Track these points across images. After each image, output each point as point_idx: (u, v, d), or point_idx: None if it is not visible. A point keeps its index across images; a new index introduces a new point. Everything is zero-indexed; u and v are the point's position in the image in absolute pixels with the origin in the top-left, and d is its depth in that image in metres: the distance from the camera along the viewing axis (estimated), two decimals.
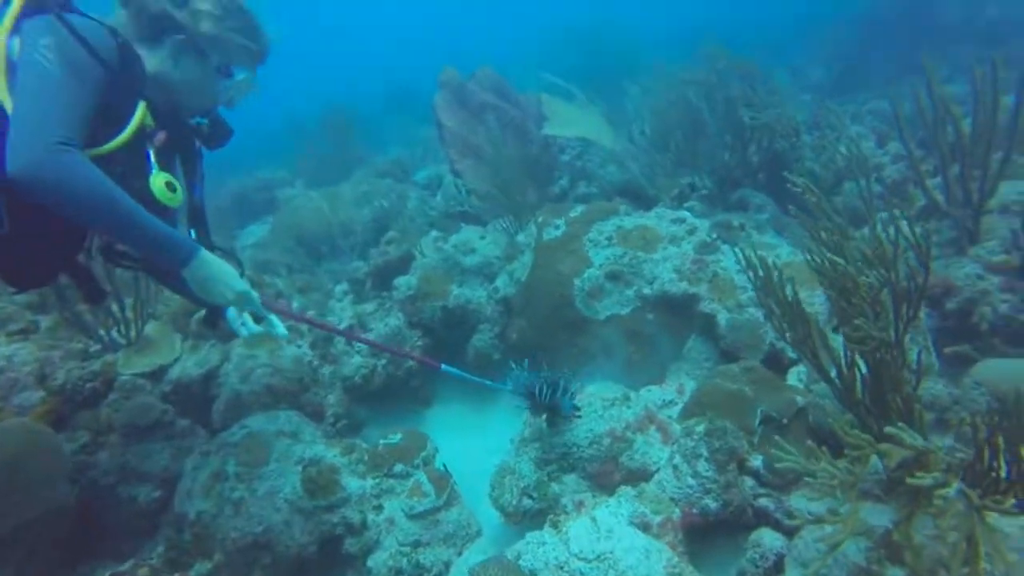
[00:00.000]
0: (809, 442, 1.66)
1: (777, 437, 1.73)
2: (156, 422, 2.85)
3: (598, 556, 1.91)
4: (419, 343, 3.68)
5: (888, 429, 1.53)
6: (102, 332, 3.06)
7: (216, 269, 1.91)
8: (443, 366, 2.53)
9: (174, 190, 1.95)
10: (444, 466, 2.89)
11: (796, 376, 2.77)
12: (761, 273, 2.36)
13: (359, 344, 3.52)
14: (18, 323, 2.98)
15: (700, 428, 2.25)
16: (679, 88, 4.71)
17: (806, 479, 1.55)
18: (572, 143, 6.10)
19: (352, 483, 2.65)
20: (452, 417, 3.70)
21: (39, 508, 2.33)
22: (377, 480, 2.71)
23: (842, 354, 2.19)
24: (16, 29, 1.72)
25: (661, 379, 3.04)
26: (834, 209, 2.43)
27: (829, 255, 2.07)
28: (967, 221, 3.18)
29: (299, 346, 3.34)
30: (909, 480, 1.42)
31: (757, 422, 2.44)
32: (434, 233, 4.19)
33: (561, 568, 1.91)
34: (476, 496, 2.85)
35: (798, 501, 2.15)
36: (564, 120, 4.15)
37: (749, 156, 4.30)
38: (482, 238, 4.32)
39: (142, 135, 1.91)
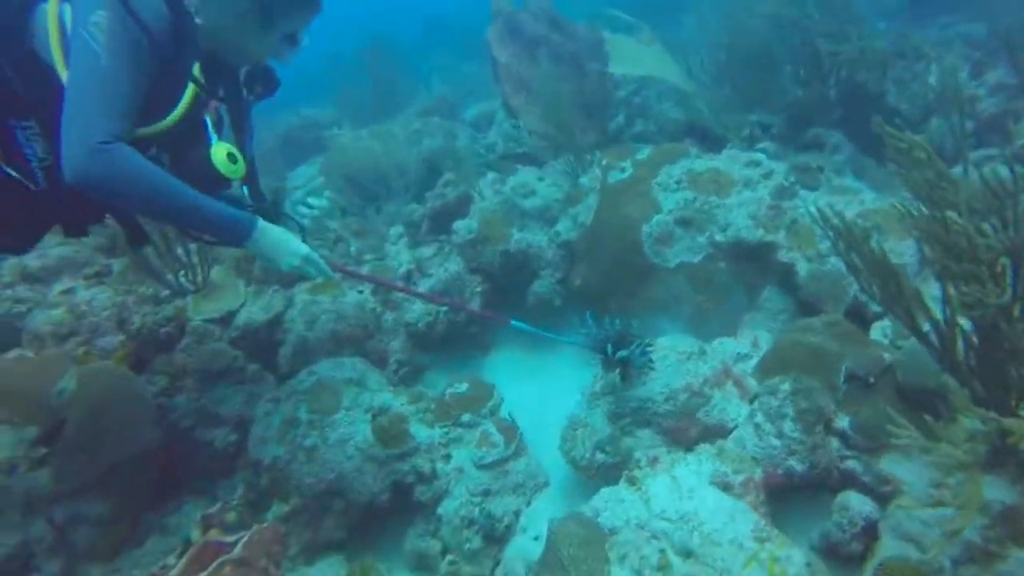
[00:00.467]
0: (927, 417, 1.54)
1: (889, 410, 1.62)
2: (227, 367, 2.90)
3: (681, 516, 1.87)
4: (479, 289, 3.62)
5: None
6: (170, 277, 3.09)
7: (276, 238, 1.89)
8: (513, 322, 2.48)
9: (235, 161, 1.92)
10: (510, 415, 2.88)
11: (881, 331, 2.62)
12: (841, 228, 2.18)
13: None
14: (93, 267, 3.02)
15: (785, 386, 2.16)
16: (745, 18, 4.35)
17: (924, 455, 1.45)
18: (628, 78, 5.80)
19: (421, 432, 2.67)
20: (511, 363, 3.68)
21: (129, 449, 2.41)
22: (445, 429, 2.72)
23: (941, 313, 2.04)
24: None
25: (733, 331, 2.93)
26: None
27: (939, 212, 1.89)
28: None
29: (360, 292, 3.33)
30: None
31: (842, 379, 2.33)
32: (491, 175, 4.06)
33: (642, 527, 1.89)
34: (540, 445, 2.85)
35: (890, 465, 2.06)
36: (629, 57, 3.89)
37: (826, 91, 3.99)
38: (541, 180, 4.17)
39: (197, 104, 1.86)
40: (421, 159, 5.27)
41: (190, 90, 1.81)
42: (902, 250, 2.72)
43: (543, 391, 3.36)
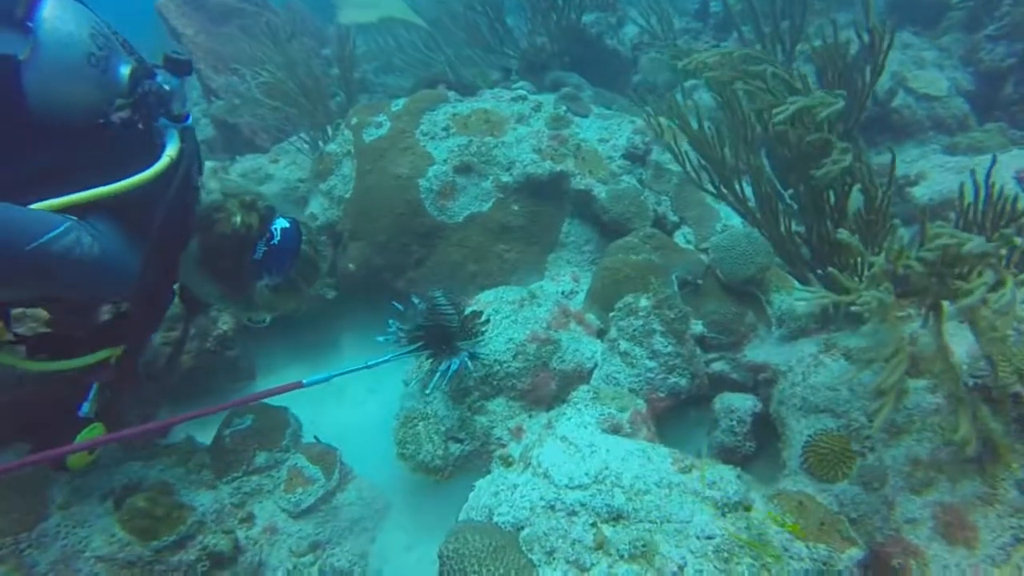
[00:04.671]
0: (831, 270, 1.40)
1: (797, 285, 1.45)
2: None
3: (595, 478, 1.50)
4: None
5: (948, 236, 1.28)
6: None
7: None
8: (305, 380, 1.84)
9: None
10: (316, 438, 2.22)
11: (683, 238, 2.61)
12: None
13: None
14: None
15: (644, 302, 1.94)
16: None
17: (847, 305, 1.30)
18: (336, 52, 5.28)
19: (201, 498, 1.86)
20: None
21: None
22: (234, 484, 1.95)
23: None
24: None
25: (541, 275, 2.68)
26: None
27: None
28: None
29: None
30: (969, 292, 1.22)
31: (676, 287, 2.22)
32: (211, 162, 3.21)
33: (553, 508, 1.47)
34: (360, 460, 2.26)
35: (753, 353, 1.98)
36: (359, 2, 3.36)
37: (554, 38, 4.00)
38: (274, 162, 3.46)
39: None
40: None
41: None
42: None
43: (340, 406, 2.76)
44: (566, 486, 1.51)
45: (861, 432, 1.50)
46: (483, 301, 2.20)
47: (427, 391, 1.97)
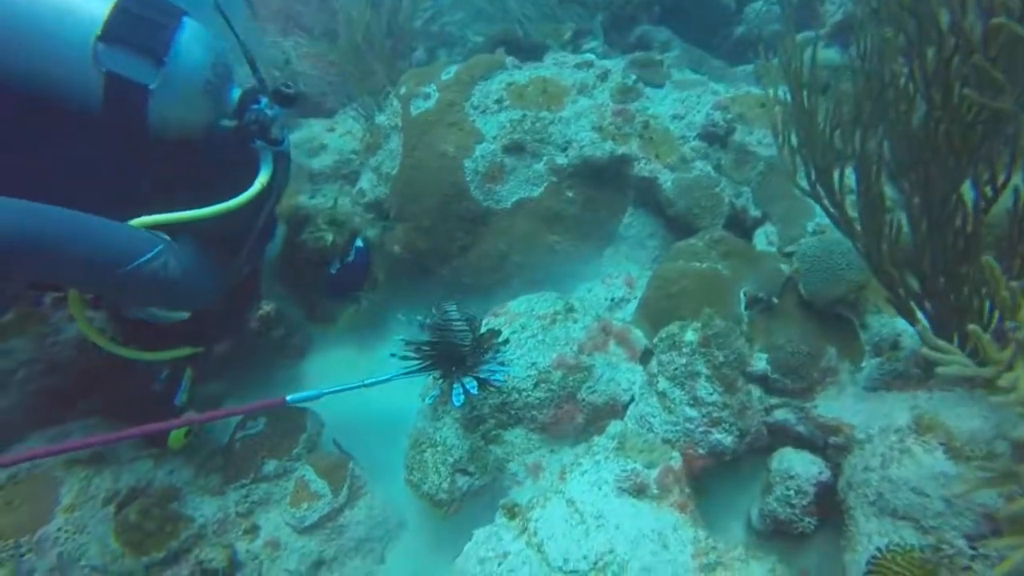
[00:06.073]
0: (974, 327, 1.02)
1: (924, 332, 1.07)
2: None
3: (594, 563, 1.25)
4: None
5: None
6: None
7: None
8: (289, 397, 1.73)
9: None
10: (337, 443, 2.11)
11: (764, 238, 2.19)
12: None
13: None
14: None
15: (690, 336, 1.60)
16: None
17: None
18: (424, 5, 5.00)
19: (205, 506, 1.81)
20: (340, 369, 2.87)
21: None
22: (242, 491, 1.88)
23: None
24: None
25: (596, 271, 2.37)
26: None
27: None
28: None
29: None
30: None
31: (743, 307, 1.84)
32: None
33: None
34: (390, 469, 2.12)
35: (827, 406, 1.60)
36: None
37: None
38: (331, 131, 3.32)
39: None
40: None
41: None
42: (768, 142, 2.28)
43: (389, 397, 2.62)
44: (560, 568, 1.27)
45: (956, 561, 1.12)
46: (513, 311, 1.95)
47: (437, 415, 1.78)
